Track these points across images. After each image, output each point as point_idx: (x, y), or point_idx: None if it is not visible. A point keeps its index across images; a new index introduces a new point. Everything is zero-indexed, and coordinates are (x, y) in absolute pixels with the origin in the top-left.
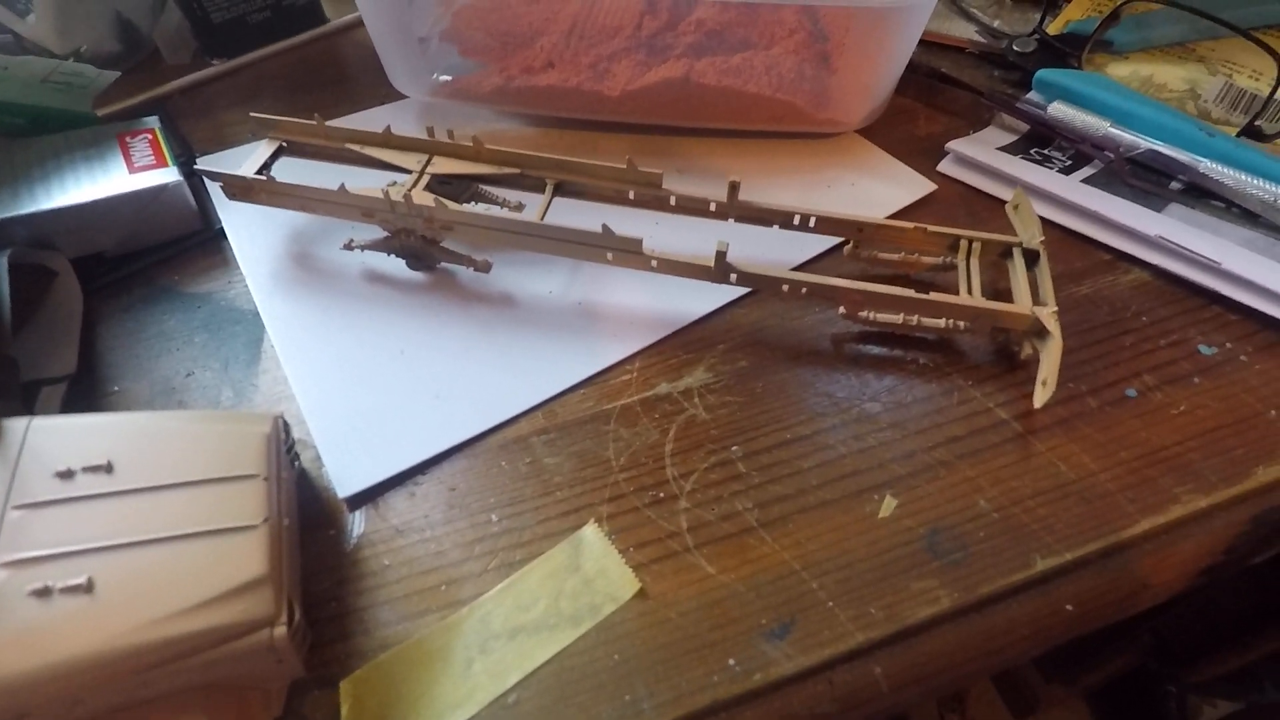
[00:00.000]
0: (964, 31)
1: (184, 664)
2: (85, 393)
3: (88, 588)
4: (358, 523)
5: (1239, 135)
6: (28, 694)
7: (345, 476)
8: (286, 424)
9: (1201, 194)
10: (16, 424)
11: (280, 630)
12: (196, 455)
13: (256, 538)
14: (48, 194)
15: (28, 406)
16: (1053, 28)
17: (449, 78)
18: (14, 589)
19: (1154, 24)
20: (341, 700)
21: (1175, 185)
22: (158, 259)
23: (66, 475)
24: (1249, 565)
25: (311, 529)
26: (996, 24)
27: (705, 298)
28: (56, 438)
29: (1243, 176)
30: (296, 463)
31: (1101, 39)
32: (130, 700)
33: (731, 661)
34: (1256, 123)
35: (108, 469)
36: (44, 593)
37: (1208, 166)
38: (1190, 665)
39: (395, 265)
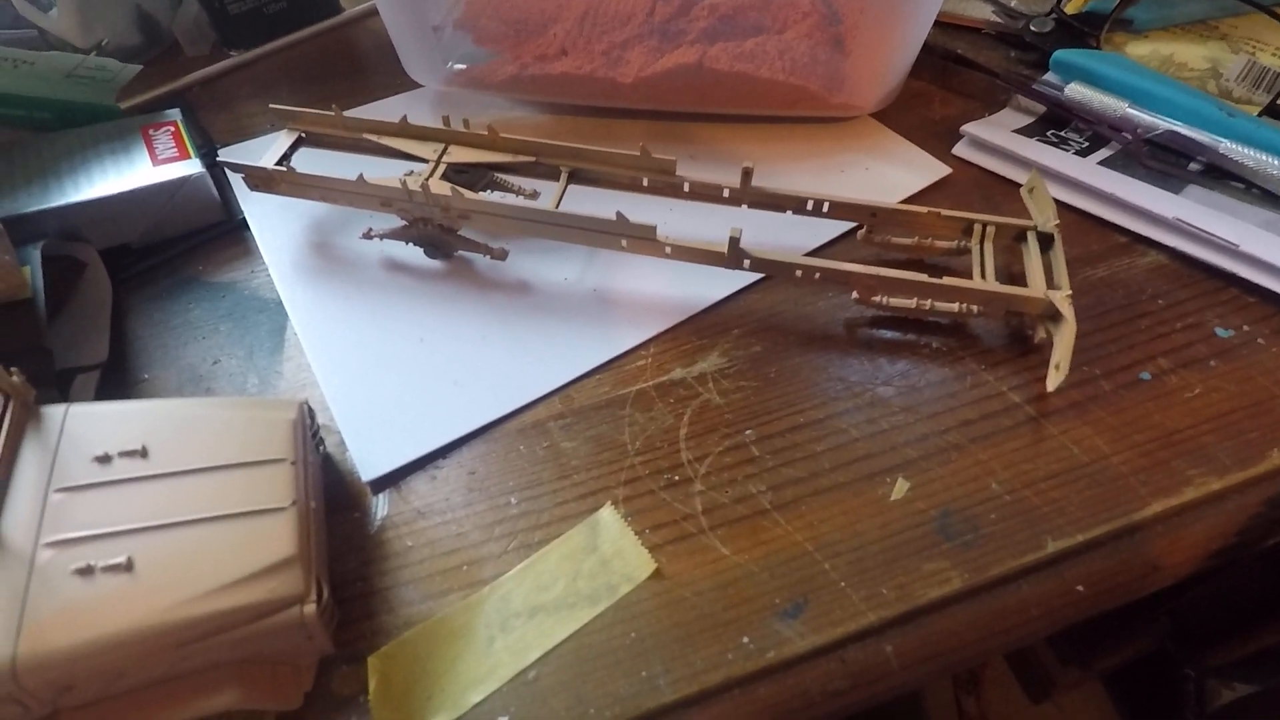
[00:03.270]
0: (980, 12)
1: (219, 639)
2: (117, 381)
3: (128, 566)
4: (381, 505)
5: (1261, 114)
6: (74, 667)
7: (368, 461)
8: (311, 410)
9: (1221, 175)
10: (55, 410)
11: (310, 608)
12: (227, 440)
13: (286, 519)
14: (76, 187)
15: (63, 394)
16: (1070, 7)
17: (463, 66)
18: (58, 568)
19: (1175, 1)
20: (369, 675)
21: (1194, 166)
22: (182, 249)
23: (104, 460)
24: (1267, 548)
25: (337, 512)
26: (1013, 4)
27: (719, 283)
28: (93, 424)
29: (1264, 157)
30: (321, 447)
31: (1121, 18)
32: (170, 673)
33: (746, 640)
34: (1279, 101)
35: (143, 453)
36: (87, 571)
37: (1228, 147)
38: (1209, 649)
39: (413, 254)
